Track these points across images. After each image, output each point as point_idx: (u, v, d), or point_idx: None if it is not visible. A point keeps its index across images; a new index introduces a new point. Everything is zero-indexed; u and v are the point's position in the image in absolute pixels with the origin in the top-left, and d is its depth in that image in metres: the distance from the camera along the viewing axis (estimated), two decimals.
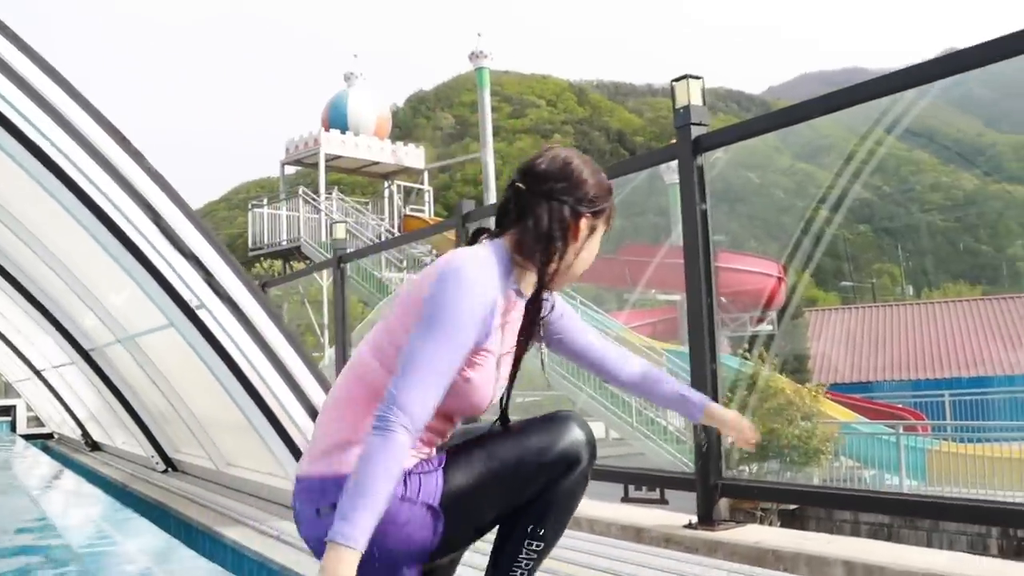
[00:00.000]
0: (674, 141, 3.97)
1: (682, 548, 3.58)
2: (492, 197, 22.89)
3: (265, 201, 24.92)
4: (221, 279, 4.24)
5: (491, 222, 2.17)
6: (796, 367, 23.38)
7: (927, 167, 61.04)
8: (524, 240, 2.02)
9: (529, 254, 2.03)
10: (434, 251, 19.06)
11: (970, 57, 2.98)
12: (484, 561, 2.17)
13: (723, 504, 3.73)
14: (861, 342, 27.17)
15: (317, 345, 20.88)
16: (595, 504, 4.43)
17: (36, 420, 13.51)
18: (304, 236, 22.95)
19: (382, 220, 24.85)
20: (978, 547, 11.34)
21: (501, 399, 2.18)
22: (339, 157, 24.58)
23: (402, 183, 26.24)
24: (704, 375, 3.76)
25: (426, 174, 26.68)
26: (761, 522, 11.07)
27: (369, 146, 24.90)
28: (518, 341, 2.12)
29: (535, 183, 2.03)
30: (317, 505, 1.95)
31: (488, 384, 2.04)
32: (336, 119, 25.03)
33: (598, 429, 15.33)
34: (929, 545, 11.44)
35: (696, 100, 3.82)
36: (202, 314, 4.23)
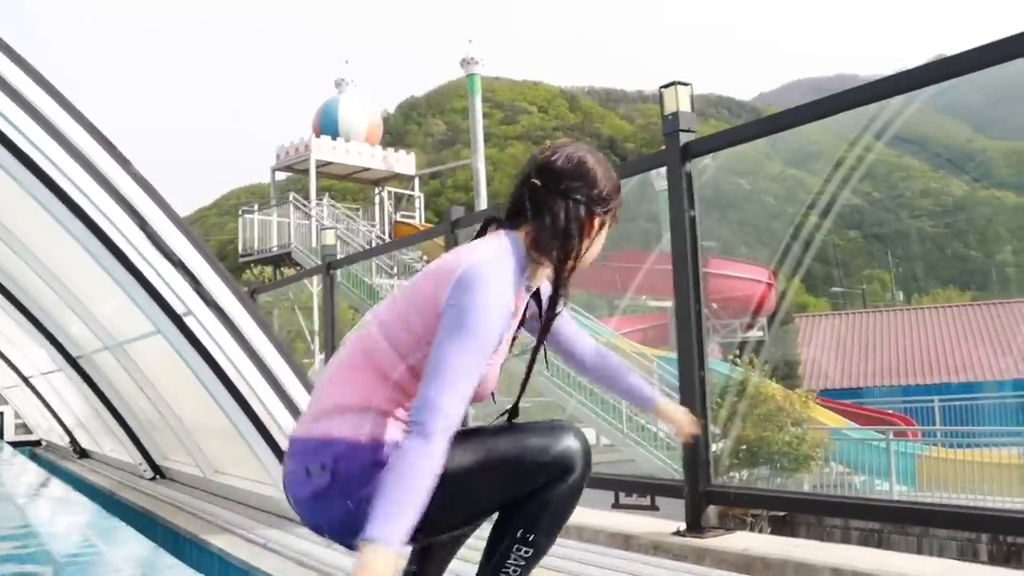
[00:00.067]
0: (663, 148, 3.97)
1: (670, 555, 3.57)
2: (483, 203, 22.89)
3: (256, 207, 24.84)
4: (209, 286, 4.24)
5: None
6: (787, 373, 23.42)
7: (917, 173, 61.24)
8: (541, 237, 2.05)
9: (546, 251, 2.06)
10: (424, 257, 19.03)
11: (959, 63, 2.98)
12: (472, 571, 2.16)
13: (712, 511, 3.72)
14: (851, 348, 27.21)
15: (308, 351, 20.82)
16: (584, 511, 4.42)
17: (24, 427, 13.45)
18: (295, 242, 22.90)
19: (373, 226, 24.81)
20: (968, 553, 11.35)
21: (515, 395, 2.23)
22: (330, 163, 24.55)
23: (393, 189, 26.22)
24: (692, 381, 3.76)
25: (417, 180, 26.67)
26: (751, 528, 11.06)
27: (360, 152, 24.87)
28: (537, 337, 2.18)
29: (552, 181, 2.07)
30: (307, 465, 1.97)
31: (492, 373, 2.09)
32: (327, 125, 25.01)
33: (589, 435, 15.29)
34: (919, 551, 11.44)
35: (685, 106, 3.82)
36: (189, 321, 4.22)
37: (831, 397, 19.70)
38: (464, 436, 2.05)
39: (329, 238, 7.75)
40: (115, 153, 4.24)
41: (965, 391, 21.86)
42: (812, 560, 3.13)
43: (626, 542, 3.78)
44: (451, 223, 5.61)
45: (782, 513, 12.35)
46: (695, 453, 3.73)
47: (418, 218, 26.03)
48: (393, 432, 1.98)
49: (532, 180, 2.08)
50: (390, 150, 26.12)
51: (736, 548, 3.39)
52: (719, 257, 20.78)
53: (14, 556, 3.73)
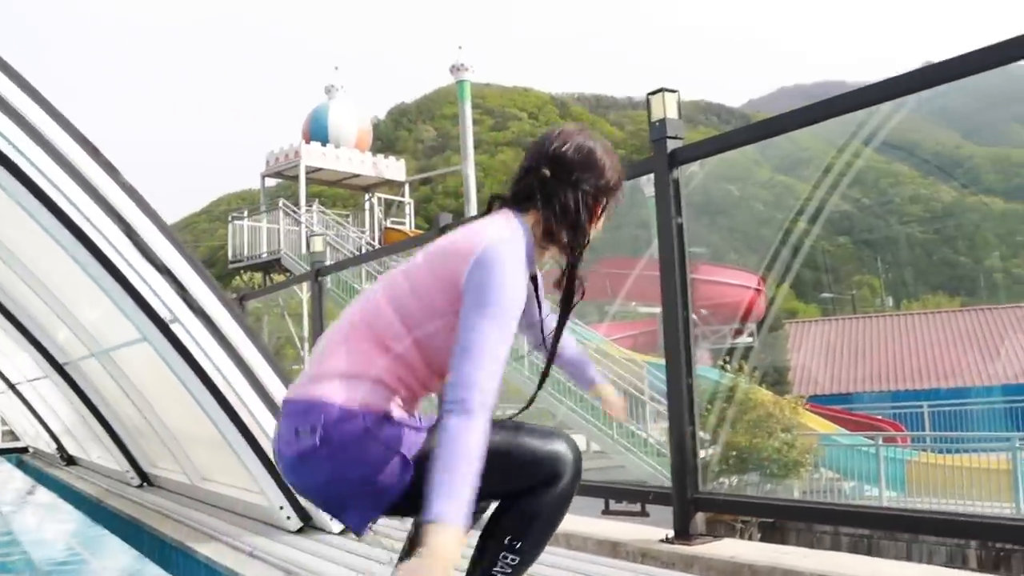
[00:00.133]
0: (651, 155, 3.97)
1: (658, 563, 3.56)
2: (473, 209, 22.86)
3: (245, 213, 24.78)
4: (195, 293, 4.22)
5: None
6: (776, 379, 23.45)
7: (906, 179, 61.45)
8: (552, 225, 2.13)
9: (556, 238, 2.14)
10: None
11: (948, 69, 2.98)
12: None
13: (700, 518, 3.71)
14: (841, 353, 27.27)
15: (297, 358, 20.77)
16: (572, 518, 4.40)
17: (11, 434, 13.38)
18: (284, 248, 22.84)
19: (363, 232, 24.77)
20: (957, 558, 11.36)
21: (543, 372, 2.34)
22: (320, 169, 24.50)
23: (383, 195, 26.19)
24: (680, 388, 3.75)
25: (407, 186, 26.63)
26: (741, 535, 11.06)
27: (350, 158, 24.83)
28: (561, 314, 2.25)
29: (563, 172, 2.14)
30: (297, 426, 2.00)
31: None
32: (317, 131, 24.97)
33: (579, 441, 15.29)
34: (908, 556, 11.45)
35: (672, 113, 3.82)
36: (175, 328, 4.20)
37: (821, 403, 19.73)
38: None
39: (318, 245, 7.73)
40: (102, 161, 4.22)
41: (954, 397, 21.90)
42: (800, 567, 3.12)
43: (614, 550, 3.77)
44: (439, 229, 5.60)
45: (771, 519, 12.36)
46: (683, 460, 3.73)
47: (408, 224, 25.98)
48: (386, 404, 2.02)
49: (543, 170, 2.14)
50: (380, 156, 26.09)
51: (724, 555, 3.39)
52: (708, 263, 20.83)
53: None
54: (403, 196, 26.36)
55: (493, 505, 2.19)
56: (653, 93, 3.86)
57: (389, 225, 25.13)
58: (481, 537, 2.14)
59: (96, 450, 8.23)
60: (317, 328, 7.39)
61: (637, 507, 4.68)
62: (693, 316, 3.87)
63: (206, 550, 4.20)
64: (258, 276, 24.24)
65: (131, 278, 4.15)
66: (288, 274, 21.86)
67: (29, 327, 6.90)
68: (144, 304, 4.17)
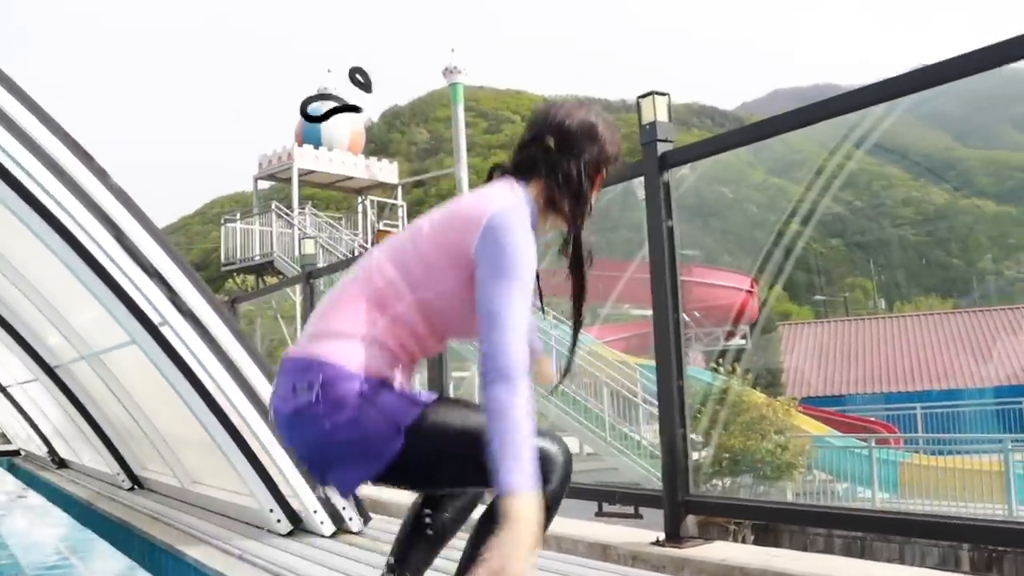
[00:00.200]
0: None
1: (649, 566, 3.55)
2: None
3: (238, 216, 24.75)
4: (184, 296, 4.21)
5: None
6: (770, 381, 23.47)
7: (898, 182, 61.57)
8: (555, 195, 2.18)
9: (560, 207, 2.19)
10: None
11: (940, 72, 2.98)
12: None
13: (691, 521, 3.71)
14: (834, 355, 27.31)
15: None
16: (564, 521, 4.40)
17: (2, 437, 13.32)
18: (277, 251, 22.81)
19: (355, 235, 24.74)
20: (950, 559, 11.37)
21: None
22: (312, 172, 24.46)
23: (376, 198, 26.15)
24: (671, 391, 3.74)
25: (400, 189, 26.61)
26: (734, 537, 11.07)
27: (343, 161, 24.80)
28: (574, 281, 2.28)
29: (565, 143, 2.19)
30: (295, 382, 2.02)
31: None
32: (310, 134, 24.90)
33: (572, 444, 15.29)
34: (901, 557, 11.46)
35: (662, 116, 3.82)
36: (165, 331, 4.18)
37: (814, 405, 19.76)
38: (454, 401, 2.15)
39: (309, 247, 7.72)
40: (92, 165, 4.20)
41: (946, 398, 21.96)
42: (791, 570, 3.12)
43: (604, 552, 3.76)
44: None
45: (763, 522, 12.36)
46: (674, 463, 3.72)
47: (401, 227, 25.90)
48: (384, 367, 2.04)
49: (547, 141, 2.19)
50: (373, 159, 26.07)
51: (715, 558, 3.38)
52: (701, 265, 20.83)
53: None
54: (396, 199, 26.33)
55: (480, 509, 2.18)
56: (643, 96, 3.86)
57: (382, 227, 25.09)
58: (470, 539, 2.14)
59: (87, 453, 8.20)
60: None
61: (631, 509, 4.68)
62: (686, 318, 3.87)
63: (195, 553, 4.19)
64: (251, 279, 24.20)
65: (120, 281, 4.13)
66: (281, 276, 21.83)
67: (19, 330, 6.88)
68: (133, 307, 4.16)
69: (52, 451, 9.94)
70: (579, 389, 14.20)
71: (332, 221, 25.11)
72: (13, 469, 11.21)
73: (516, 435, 1.86)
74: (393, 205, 26.26)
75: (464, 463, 2.07)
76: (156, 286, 4.16)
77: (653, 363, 3.84)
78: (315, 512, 4.36)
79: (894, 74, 3.21)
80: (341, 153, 24.81)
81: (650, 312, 3.89)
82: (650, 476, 13.25)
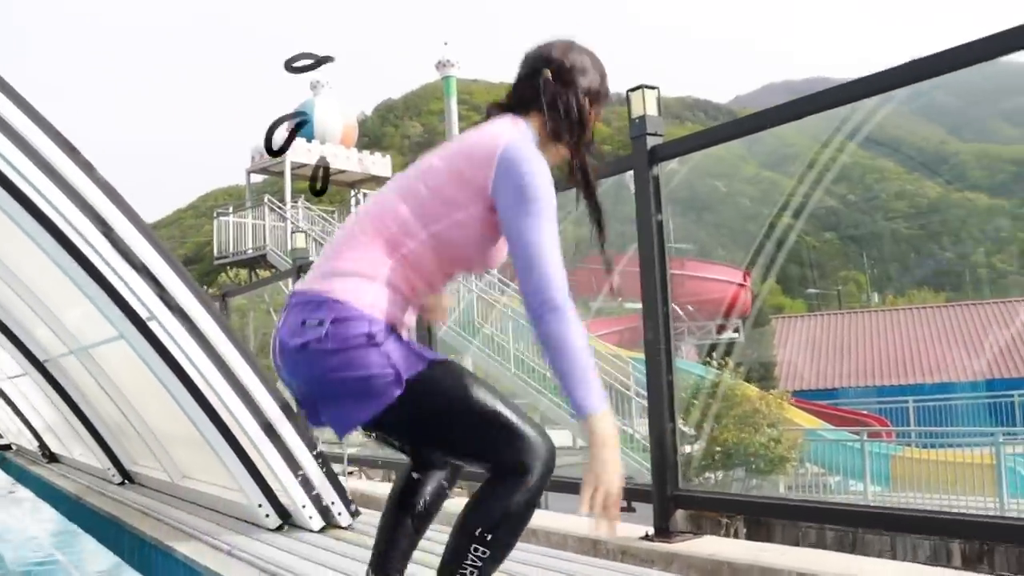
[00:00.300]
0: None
1: (638, 561, 3.55)
2: None
3: (231, 209, 24.68)
4: (173, 291, 4.19)
5: None
6: (763, 374, 23.50)
7: (892, 175, 61.68)
8: (556, 126, 2.24)
9: (562, 138, 2.26)
10: None
11: (933, 65, 2.96)
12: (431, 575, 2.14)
13: (680, 515, 3.71)
14: (826, 349, 27.34)
15: None
16: (554, 515, 4.40)
17: None
18: (270, 244, 22.76)
19: None
20: (941, 551, 11.39)
21: None
22: (305, 165, 24.40)
23: (369, 192, 26.07)
24: (660, 384, 3.74)
25: None
26: (727, 530, 11.07)
27: (335, 154, 24.73)
28: (590, 204, 2.33)
29: (564, 74, 2.26)
30: (305, 317, 2.06)
31: (502, 250, 2.22)
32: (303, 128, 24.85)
33: (565, 437, 15.28)
34: (893, 549, 11.47)
35: (652, 110, 3.80)
36: (153, 326, 4.16)
37: (806, 398, 19.78)
38: (460, 369, 2.17)
39: (300, 241, 7.71)
40: (78, 159, 4.18)
41: (939, 392, 22.01)
42: (778, 565, 3.12)
43: (594, 547, 3.76)
44: None
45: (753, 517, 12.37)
46: (663, 457, 3.72)
47: None
48: (393, 308, 2.09)
49: (545, 73, 2.26)
50: (366, 152, 26.00)
51: (703, 553, 3.38)
52: (694, 259, 20.84)
53: None
54: None
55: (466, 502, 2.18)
56: (633, 90, 3.85)
57: None
58: (452, 532, 2.14)
59: (78, 448, 8.18)
60: None
61: (624, 502, 4.68)
62: (679, 311, 3.86)
63: (185, 549, 4.17)
64: (244, 272, 24.14)
65: (108, 276, 4.11)
66: (274, 270, 21.77)
67: (8, 323, 6.85)
68: (121, 302, 4.13)
69: (43, 445, 9.91)
70: None
71: (325, 215, 25.06)
72: (4, 463, 11.18)
73: (579, 362, 1.96)
74: None
75: (456, 430, 2.12)
76: (144, 281, 4.14)
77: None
78: (304, 507, 4.34)
79: (886, 67, 3.19)
80: (333, 147, 24.75)
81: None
82: (643, 469, 13.25)
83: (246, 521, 4.67)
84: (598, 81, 2.31)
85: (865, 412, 19.12)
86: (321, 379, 2.05)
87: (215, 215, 24.98)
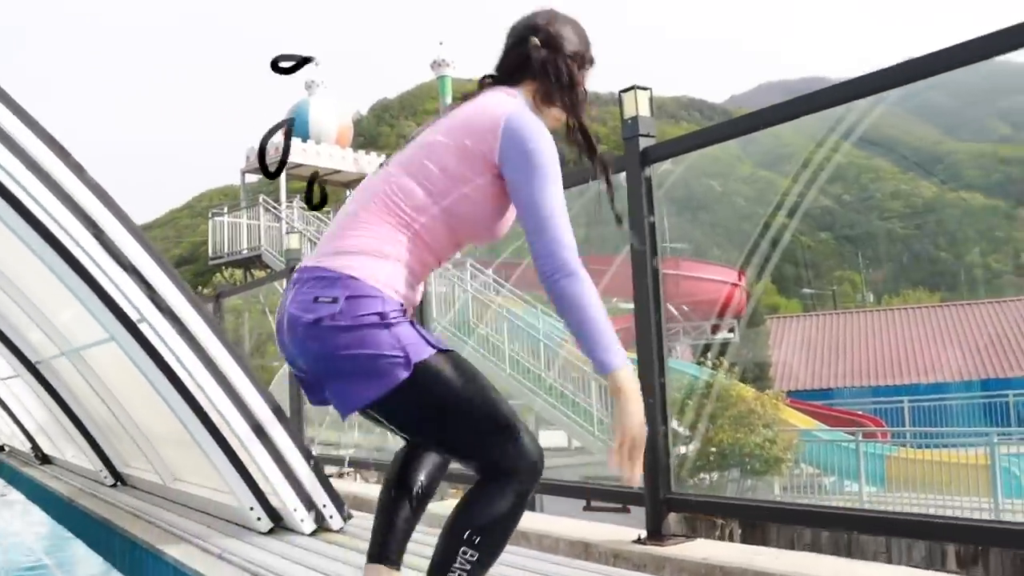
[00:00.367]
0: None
1: (630, 565, 3.53)
2: None
3: (225, 209, 24.64)
4: (163, 293, 4.16)
5: None
6: (758, 374, 23.49)
7: (887, 175, 61.72)
8: (549, 90, 2.30)
9: (556, 101, 2.31)
10: None
11: (929, 64, 2.94)
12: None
13: (672, 518, 3.69)
14: (821, 349, 27.35)
15: (278, 354, 20.63)
16: (546, 518, 4.39)
17: None
18: (265, 245, 22.72)
19: None
20: (936, 552, 11.40)
21: None
22: (300, 165, 24.36)
23: None
24: (652, 387, 3.71)
25: None
26: (722, 531, 11.07)
27: (330, 154, 24.69)
28: (593, 160, 2.39)
29: (552, 40, 2.31)
30: (318, 293, 2.06)
31: (508, 220, 2.27)
32: (297, 127, 24.77)
33: (560, 438, 15.26)
34: (888, 550, 11.47)
35: (644, 111, 3.78)
36: (143, 327, 4.14)
37: (801, 398, 19.79)
38: (466, 364, 2.15)
39: (294, 242, 7.67)
40: (69, 160, 4.16)
41: (934, 392, 22.02)
42: (772, 569, 3.10)
43: (586, 551, 3.74)
44: None
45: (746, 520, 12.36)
46: (655, 460, 3.70)
47: None
48: (405, 287, 2.12)
49: (534, 40, 2.31)
50: (361, 152, 25.96)
51: (696, 556, 3.36)
52: (689, 259, 20.82)
53: None
54: None
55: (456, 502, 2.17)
56: (625, 91, 3.82)
57: None
58: (441, 533, 2.14)
59: (70, 449, 8.15)
60: None
61: (619, 503, 4.66)
62: (674, 311, 3.84)
63: (175, 552, 4.15)
64: (239, 272, 24.10)
65: (98, 278, 4.09)
66: (269, 270, 21.73)
67: (0, 325, 6.82)
68: (111, 303, 4.11)
69: (36, 447, 9.88)
70: (567, 383, 14.18)
71: (320, 215, 25.02)
72: None
73: (598, 322, 2.02)
74: None
75: (452, 424, 2.11)
76: (134, 283, 4.11)
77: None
78: (295, 510, 4.32)
79: (882, 67, 3.17)
80: (329, 146, 24.72)
81: None
82: None
83: (237, 524, 4.64)
84: (584, 46, 2.36)
85: (860, 412, 19.13)
86: (331, 356, 2.05)
87: (210, 215, 24.94)
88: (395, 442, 2.46)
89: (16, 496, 6.51)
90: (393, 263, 2.10)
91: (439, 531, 2.15)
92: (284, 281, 7.44)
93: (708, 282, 19.84)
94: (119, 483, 7.03)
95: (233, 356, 4.25)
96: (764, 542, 10.81)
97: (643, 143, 3.75)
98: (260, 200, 23.54)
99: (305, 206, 24.46)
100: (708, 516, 10.47)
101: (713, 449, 13.22)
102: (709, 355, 15.23)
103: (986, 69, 2.89)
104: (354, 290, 2.04)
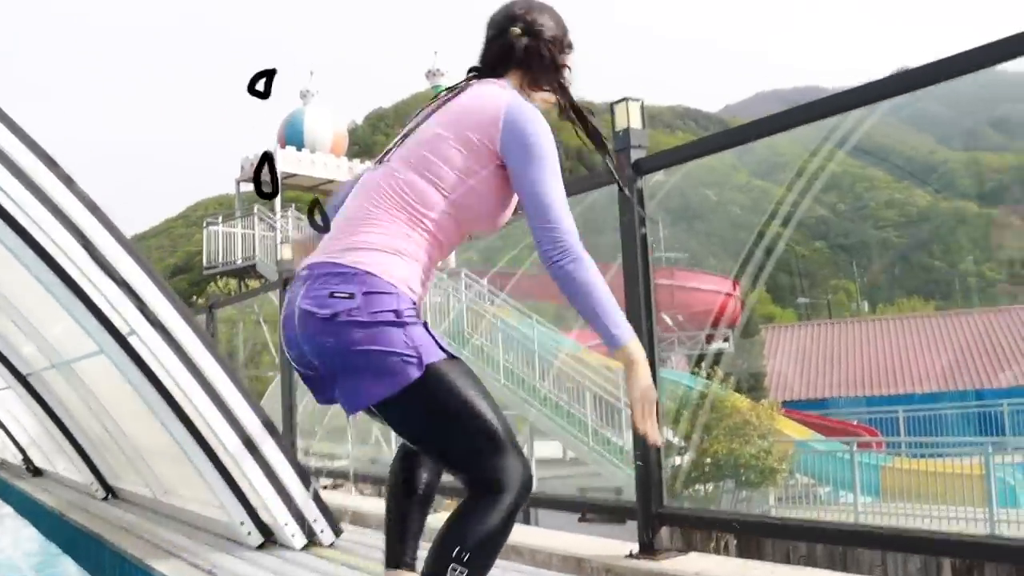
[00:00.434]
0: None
1: None
2: None
3: (220, 219, 24.58)
4: (153, 306, 4.14)
5: None
6: (753, 384, 23.46)
7: (881, 184, 61.83)
8: (537, 75, 2.36)
9: (539, 84, 2.36)
10: None
11: (926, 74, 2.92)
12: None
13: (665, 533, 3.66)
14: (816, 359, 27.33)
15: (273, 364, 20.55)
16: (537, 532, 4.36)
17: None
18: (259, 254, 22.67)
19: None
20: (931, 565, 11.37)
21: None
22: (295, 175, 24.33)
23: None
24: None
25: None
26: (717, 542, 11.05)
27: (325, 164, 24.65)
28: (589, 133, 2.42)
29: (532, 27, 2.35)
30: (333, 289, 2.06)
31: (510, 210, 2.31)
32: (292, 136, 24.77)
33: (555, 449, 15.22)
34: (883, 564, 11.45)
35: (636, 123, 3.76)
36: (133, 341, 4.11)
37: (796, 408, 19.77)
38: (472, 375, 2.15)
39: (286, 252, 7.62)
40: (59, 172, 4.14)
41: (928, 401, 22.02)
42: None
43: (578, 565, 3.71)
44: None
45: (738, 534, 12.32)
46: (648, 474, 3.67)
47: None
48: (418, 283, 2.14)
49: (514, 32, 2.35)
50: (356, 161, 25.92)
51: (689, 571, 3.33)
52: (683, 269, 20.83)
53: None
54: None
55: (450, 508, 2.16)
56: (617, 103, 3.80)
57: None
58: (431, 548, 2.11)
59: (61, 462, 8.11)
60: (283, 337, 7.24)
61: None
62: (668, 321, 3.82)
63: (165, 568, 4.12)
64: (233, 282, 24.03)
65: (88, 290, 4.07)
66: (263, 280, 21.68)
67: None
68: (101, 316, 4.09)
69: (27, 459, 9.84)
70: (561, 393, 14.15)
71: None
72: None
73: (606, 302, 2.09)
74: None
75: (450, 432, 2.11)
76: (125, 295, 4.09)
77: None
78: (286, 525, 4.29)
79: (875, 77, 3.16)
80: (324, 155, 24.68)
81: None
82: (633, 482, 13.19)
83: (228, 538, 4.61)
84: (561, 31, 2.41)
85: (855, 422, 19.12)
86: (346, 351, 2.04)
87: (205, 225, 24.88)
88: (390, 453, 2.46)
89: (6, 510, 6.46)
90: (407, 259, 2.11)
91: (430, 544, 2.13)
92: (278, 291, 7.39)
93: (702, 292, 19.85)
94: (110, 496, 7.00)
95: (224, 370, 4.22)
96: (760, 555, 10.78)
97: (634, 155, 3.73)
98: (255, 210, 23.49)
99: (300, 216, 24.40)
100: (701, 530, 10.45)
101: (708, 460, 13.19)
102: (703, 365, 15.21)
103: (980, 78, 2.87)
104: (371, 286, 2.05)
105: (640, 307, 3.72)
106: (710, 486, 13.40)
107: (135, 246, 4.26)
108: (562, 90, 2.38)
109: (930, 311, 33.92)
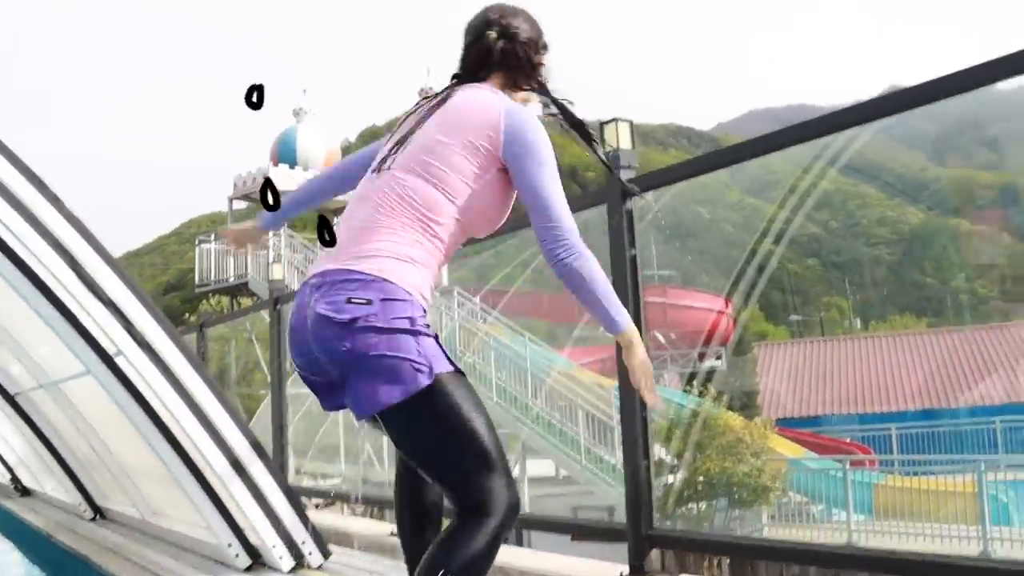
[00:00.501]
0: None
1: None
2: None
3: (212, 237, 24.56)
4: (140, 326, 4.11)
5: None
6: (745, 402, 23.44)
7: (873, 201, 62.05)
8: (516, 76, 2.43)
9: (520, 84, 2.43)
10: None
11: (919, 94, 2.92)
12: None
13: (655, 555, 3.64)
14: (808, 376, 27.33)
15: (265, 383, 20.50)
16: (529, 553, 4.33)
17: None
18: (252, 272, 22.63)
19: None
20: None
21: None
22: (288, 192, 24.28)
23: None
24: (634, 422, 3.67)
25: None
26: (711, 563, 11.00)
27: None
28: (575, 126, 2.52)
29: (507, 31, 2.42)
30: (351, 295, 2.09)
31: (508, 207, 2.38)
32: (285, 154, 24.77)
33: (548, 467, 15.18)
34: None
35: (625, 143, 3.77)
36: (120, 361, 4.09)
37: (789, 426, 19.75)
38: (473, 395, 2.17)
39: (277, 272, 7.63)
40: (46, 192, 4.12)
41: (921, 419, 22.02)
42: None
43: None
44: None
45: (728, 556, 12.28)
46: (638, 495, 3.65)
47: None
48: (428, 292, 2.18)
49: (491, 36, 2.41)
50: None
51: None
52: (676, 287, 20.83)
53: None
54: None
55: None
56: (607, 122, 3.81)
57: None
58: (419, 569, 2.11)
59: (49, 482, 8.05)
60: (274, 355, 7.24)
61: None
62: (661, 339, 3.81)
63: None
64: (226, 300, 23.99)
65: (75, 310, 4.04)
66: (256, 298, 21.64)
67: None
68: (88, 336, 4.06)
69: (15, 479, 9.77)
70: (554, 412, 14.12)
71: (308, 243, 24.95)
72: None
73: (605, 293, 2.20)
74: None
75: (446, 448, 2.12)
76: (111, 316, 4.07)
77: None
78: (274, 547, 4.25)
79: (870, 96, 3.16)
80: (316, 172, 24.67)
81: None
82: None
83: (216, 560, 4.57)
84: (536, 33, 2.47)
85: (848, 440, 19.11)
86: (363, 355, 2.06)
87: (197, 242, 24.86)
88: (382, 472, 2.46)
89: None
90: (418, 266, 2.16)
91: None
92: (268, 310, 7.36)
93: (694, 310, 19.84)
94: (98, 517, 6.94)
95: (212, 390, 4.20)
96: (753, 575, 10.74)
97: (624, 175, 3.72)
98: None
99: (293, 234, 24.39)
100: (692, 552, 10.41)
101: (701, 478, 13.15)
102: (696, 383, 15.19)
103: (971, 96, 2.87)
104: (388, 293, 2.08)
105: None
106: (703, 505, 13.36)
107: (121, 265, 4.24)
108: (541, 87, 2.46)
109: (922, 328, 33.96)
